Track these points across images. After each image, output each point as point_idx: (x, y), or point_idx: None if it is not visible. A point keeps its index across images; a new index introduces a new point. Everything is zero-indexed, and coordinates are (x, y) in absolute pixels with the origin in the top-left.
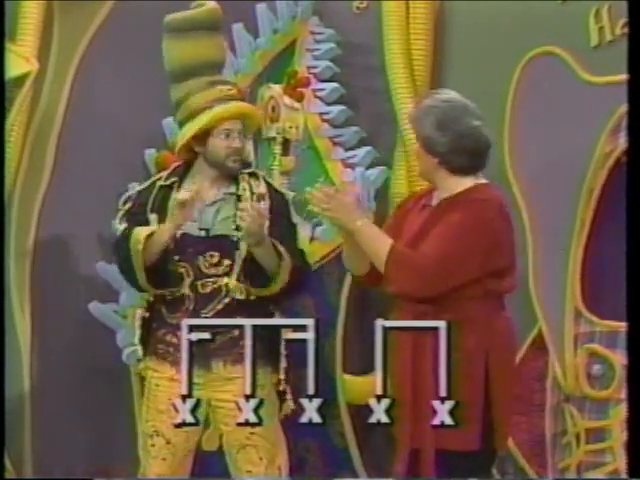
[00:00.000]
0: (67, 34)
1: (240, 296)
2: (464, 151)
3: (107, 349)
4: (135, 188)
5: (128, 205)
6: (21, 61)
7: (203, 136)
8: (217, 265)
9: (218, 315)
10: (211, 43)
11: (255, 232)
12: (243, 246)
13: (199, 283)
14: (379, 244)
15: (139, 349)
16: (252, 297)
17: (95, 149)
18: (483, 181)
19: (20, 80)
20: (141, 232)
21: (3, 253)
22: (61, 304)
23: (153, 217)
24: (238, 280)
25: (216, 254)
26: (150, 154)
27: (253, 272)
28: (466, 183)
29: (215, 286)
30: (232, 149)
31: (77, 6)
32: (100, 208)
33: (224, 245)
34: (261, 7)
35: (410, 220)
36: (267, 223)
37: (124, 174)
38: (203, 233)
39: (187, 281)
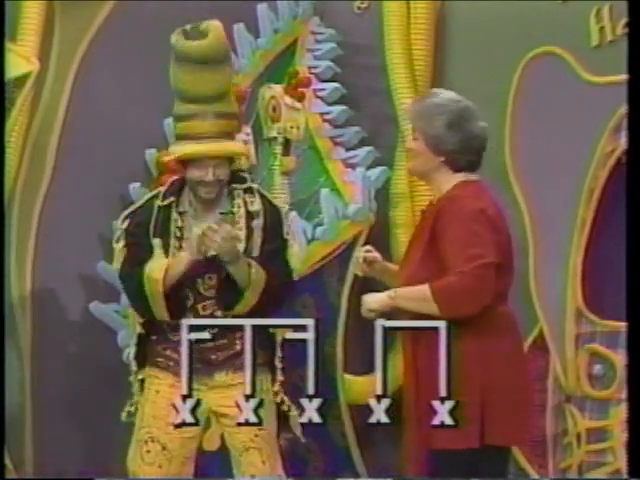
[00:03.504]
0: (68, 34)
1: (221, 314)
2: (472, 151)
3: (108, 349)
4: (131, 207)
5: (126, 224)
6: (22, 61)
7: (183, 162)
8: (215, 287)
9: (219, 334)
10: (210, 77)
11: (228, 252)
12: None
13: (199, 306)
14: (417, 294)
15: (133, 364)
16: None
17: (96, 149)
18: (473, 177)
19: (21, 80)
20: (156, 271)
21: (3, 253)
22: (62, 304)
23: (157, 241)
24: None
25: (214, 276)
26: (151, 154)
27: (222, 292)
28: (456, 179)
29: (215, 308)
30: (203, 182)
31: (78, 6)
32: (101, 208)
33: (221, 266)
34: (262, 7)
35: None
36: (258, 240)
37: (125, 174)
38: (201, 255)
39: (188, 304)
